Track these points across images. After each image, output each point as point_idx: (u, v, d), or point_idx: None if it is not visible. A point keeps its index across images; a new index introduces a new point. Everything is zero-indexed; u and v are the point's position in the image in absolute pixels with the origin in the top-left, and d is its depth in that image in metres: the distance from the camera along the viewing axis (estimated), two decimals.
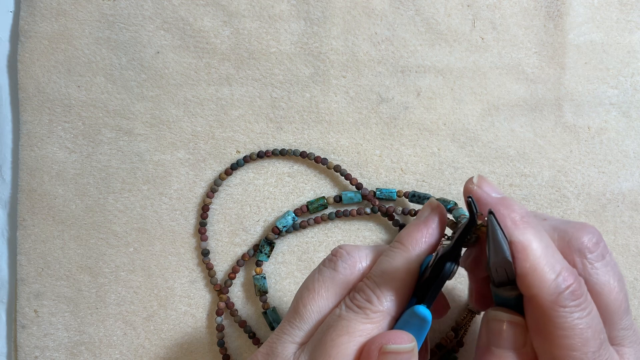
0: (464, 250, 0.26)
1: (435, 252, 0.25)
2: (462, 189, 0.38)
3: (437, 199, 0.30)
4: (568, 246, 0.25)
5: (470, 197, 0.24)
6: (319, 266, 0.27)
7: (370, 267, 0.26)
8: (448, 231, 0.27)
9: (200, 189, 0.38)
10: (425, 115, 0.39)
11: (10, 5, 0.39)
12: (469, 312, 0.37)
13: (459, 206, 0.34)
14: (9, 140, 0.39)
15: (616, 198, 0.39)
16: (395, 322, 0.25)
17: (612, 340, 0.25)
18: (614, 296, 0.25)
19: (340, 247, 0.27)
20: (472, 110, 0.39)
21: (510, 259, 0.23)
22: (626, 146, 0.39)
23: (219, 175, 0.38)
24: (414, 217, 0.26)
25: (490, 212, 0.23)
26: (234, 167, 0.38)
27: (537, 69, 0.39)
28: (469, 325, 0.37)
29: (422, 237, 0.26)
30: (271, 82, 0.39)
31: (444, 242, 0.26)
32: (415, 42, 0.39)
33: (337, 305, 0.25)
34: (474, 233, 0.25)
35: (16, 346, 0.38)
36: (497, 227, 0.23)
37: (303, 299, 0.26)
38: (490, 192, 0.26)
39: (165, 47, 0.39)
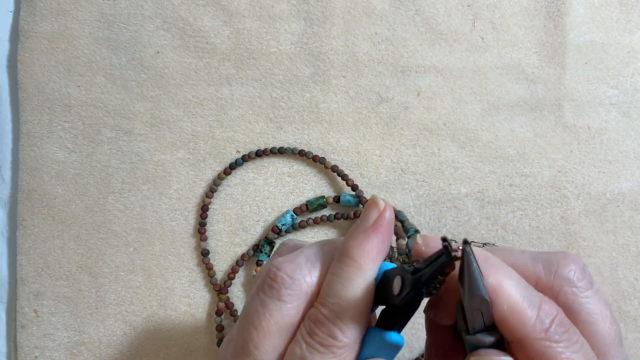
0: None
1: (399, 270, 0.22)
2: (462, 189, 0.38)
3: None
4: (555, 276, 0.23)
5: (444, 237, 0.22)
6: (257, 294, 0.23)
7: (319, 282, 0.23)
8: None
9: (200, 189, 0.38)
10: (425, 115, 0.39)
11: (10, 5, 0.39)
12: None
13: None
14: (9, 140, 0.39)
15: (616, 198, 0.39)
16: (359, 348, 0.23)
17: None
18: (608, 326, 0.23)
19: (277, 268, 0.23)
20: (472, 110, 0.39)
21: (487, 297, 0.21)
22: (626, 146, 0.39)
23: (218, 175, 0.38)
24: (359, 219, 0.24)
25: (466, 242, 0.21)
26: (233, 166, 0.38)
27: (537, 69, 0.39)
28: None
29: (374, 249, 0.23)
30: (271, 82, 0.39)
31: (397, 256, 0.24)
32: (415, 42, 0.39)
33: (293, 339, 0.23)
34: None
35: (16, 346, 0.38)
36: (473, 260, 0.21)
37: (252, 339, 0.22)
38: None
39: (165, 47, 0.39)
